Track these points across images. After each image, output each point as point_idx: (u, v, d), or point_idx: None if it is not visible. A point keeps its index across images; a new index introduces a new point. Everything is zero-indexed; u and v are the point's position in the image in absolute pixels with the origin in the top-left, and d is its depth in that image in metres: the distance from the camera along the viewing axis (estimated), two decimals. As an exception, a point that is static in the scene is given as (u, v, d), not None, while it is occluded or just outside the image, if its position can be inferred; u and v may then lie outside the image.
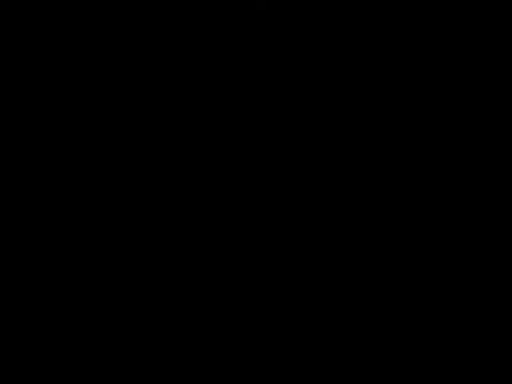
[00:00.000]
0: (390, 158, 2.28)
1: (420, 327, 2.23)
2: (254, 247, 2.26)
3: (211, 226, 2.28)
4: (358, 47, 2.30)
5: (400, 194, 2.27)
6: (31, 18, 2.31)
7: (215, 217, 2.28)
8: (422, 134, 2.28)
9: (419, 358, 2.22)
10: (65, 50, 2.31)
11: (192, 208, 2.28)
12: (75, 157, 2.29)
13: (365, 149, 2.28)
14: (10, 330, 2.23)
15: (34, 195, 2.28)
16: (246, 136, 2.29)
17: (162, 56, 2.31)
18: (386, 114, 2.29)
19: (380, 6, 2.29)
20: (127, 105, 2.30)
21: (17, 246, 2.26)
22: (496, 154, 2.27)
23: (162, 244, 2.27)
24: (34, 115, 2.29)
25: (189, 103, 2.30)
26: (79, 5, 2.31)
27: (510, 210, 2.25)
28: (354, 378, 2.22)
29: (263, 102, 2.30)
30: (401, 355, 2.22)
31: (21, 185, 2.28)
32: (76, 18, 2.31)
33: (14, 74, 2.30)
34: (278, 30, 2.30)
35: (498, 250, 2.24)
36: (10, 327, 2.23)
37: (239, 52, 2.31)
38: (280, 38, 2.31)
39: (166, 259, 2.26)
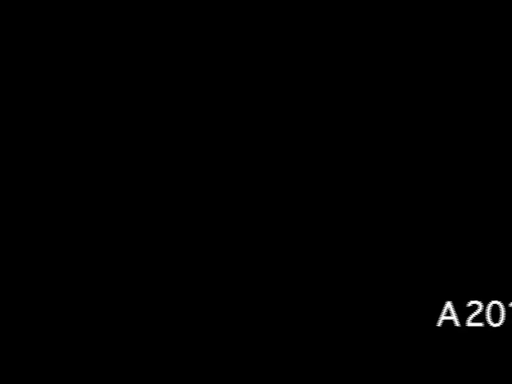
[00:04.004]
0: (390, 158, 2.29)
1: (419, 326, 2.23)
2: (253, 247, 2.27)
3: (211, 226, 2.28)
4: (358, 47, 2.30)
5: (399, 194, 2.28)
6: (31, 17, 2.31)
7: (215, 216, 2.28)
8: (422, 134, 2.29)
9: (419, 357, 2.22)
10: (65, 50, 2.31)
11: (191, 208, 2.28)
12: (75, 156, 2.29)
13: (364, 148, 2.29)
14: (10, 330, 2.24)
15: (34, 195, 2.28)
16: (246, 136, 2.30)
17: (161, 56, 2.31)
18: (386, 113, 2.29)
19: (380, 6, 2.30)
20: (127, 104, 2.31)
21: (17, 246, 2.26)
22: (496, 153, 2.28)
23: (162, 244, 2.27)
24: (34, 115, 2.30)
25: (188, 103, 2.31)
26: (79, 4, 2.31)
27: (509, 210, 2.26)
28: (354, 377, 2.22)
29: (263, 101, 2.30)
30: (401, 355, 2.23)
31: (21, 185, 2.28)
32: (76, 17, 2.31)
33: (14, 74, 2.30)
34: (277, 30, 2.31)
35: (498, 248, 2.25)
36: (9, 327, 2.24)
37: (239, 52, 2.31)
38: (280, 38, 2.31)
39: (166, 259, 2.27)
